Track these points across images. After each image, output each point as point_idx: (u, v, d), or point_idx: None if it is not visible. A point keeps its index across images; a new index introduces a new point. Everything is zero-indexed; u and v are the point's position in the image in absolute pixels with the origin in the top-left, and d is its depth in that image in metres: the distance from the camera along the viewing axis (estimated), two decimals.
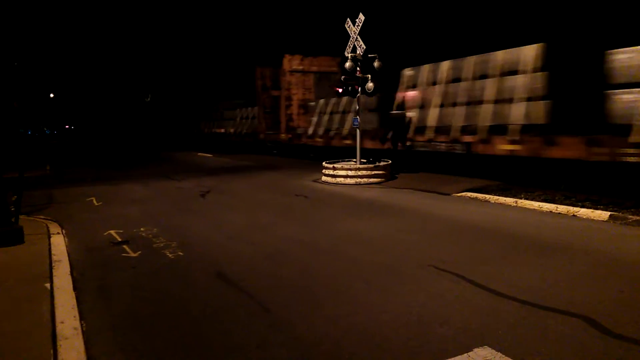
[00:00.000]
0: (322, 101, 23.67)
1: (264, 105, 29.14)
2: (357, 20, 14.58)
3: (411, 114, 16.90)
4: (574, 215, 8.84)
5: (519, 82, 13.05)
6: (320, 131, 23.10)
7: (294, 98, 26.28)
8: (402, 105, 17.54)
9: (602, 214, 8.51)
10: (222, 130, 38.23)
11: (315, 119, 23.81)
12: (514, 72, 13.26)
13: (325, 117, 23.05)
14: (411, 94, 17.27)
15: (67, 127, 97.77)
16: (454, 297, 4.94)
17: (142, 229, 8.50)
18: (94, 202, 11.75)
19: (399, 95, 17.92)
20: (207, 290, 5.42)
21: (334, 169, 14.38)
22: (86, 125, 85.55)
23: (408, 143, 16.69)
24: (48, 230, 8.27)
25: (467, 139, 14.28)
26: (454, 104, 15.20)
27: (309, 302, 4.96)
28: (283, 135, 26.79)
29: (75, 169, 21.37)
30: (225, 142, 36.91)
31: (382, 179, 14.14)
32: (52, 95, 73.97)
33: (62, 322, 4.42)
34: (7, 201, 7.35)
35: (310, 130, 23.97)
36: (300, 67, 26.06)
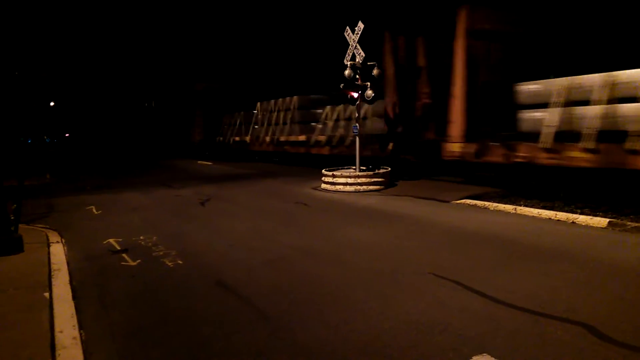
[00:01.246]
0: (565, 81, 11.45)
1: (400, 94, 17.38)
2: (356, 28, 14.67)
3: None
4: (573, 222, 8.85)
5: None
6: (590, 142, 10.52)
7: (480, 80, 14.82)
8: None
9: (601, 221, 8.52)
10: (302, 138, 24.07)
11: (545, 115, 11.69)
12: None
13: (597, 110, 10.63)
14: None
15: (67, 135, 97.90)
16: (453, 305, 4.93)
17: (141, 238, 8.50)
18: (94, 210, 11.75)
19: None
20: (207, 298, 5.42)
21: (334, 176, 14.39)
22: (86, 133, 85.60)
23: None
24: (47, 239, 8.27)
25: None
26: None
27: (308, 309, 4.96)
28: (457, 147, 14.09)
29: (75, 177, 21.37)
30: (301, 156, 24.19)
31: (382, 187, 14.15)
32: (52, 103, 74.17)
33: (61, 331, 4.42)
34: (6, 210, 7.35)
35: (548, 133, 11.42)
36: (487, 26, 14.57)
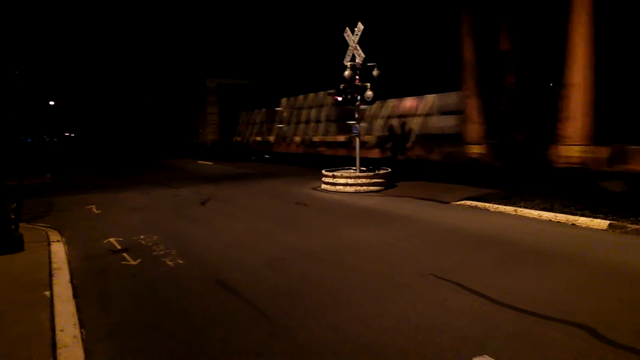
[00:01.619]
0: None
1: (479, 85, 14.05)
2: (355, 29, 14.68)
3: None
4: (573, 223, 8.86)
5: None
6: None
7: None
8: None
9: (601, 223, 8.53)
10: (342, 138, 21.08)
11: None
12: None
13: None
14: None
15: (67, 134, 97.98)
16: (453, 306, 4.94)
17: (141, 237, 8.50)
18: (94, 209, 11.76)
19: None
20: (207, 298, 5.43)
21: (334, 177, 14.40)
22: (86, 132, 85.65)
23: None
24: (48, 238, 8.27)
25: None
26: None
27: (308, 310, 4.96)
28: (578, 151, 11.00)
29: (75, 177, 21.38)
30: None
31: (382, 187, 14.16)
32: (52, 102, 74.23)
33: (61, 330, 4.43)
34: (7, 209, 7.36)
35: None
36: None
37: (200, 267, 6.65)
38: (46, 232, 8.80)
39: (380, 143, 18.52)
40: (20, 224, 8.08)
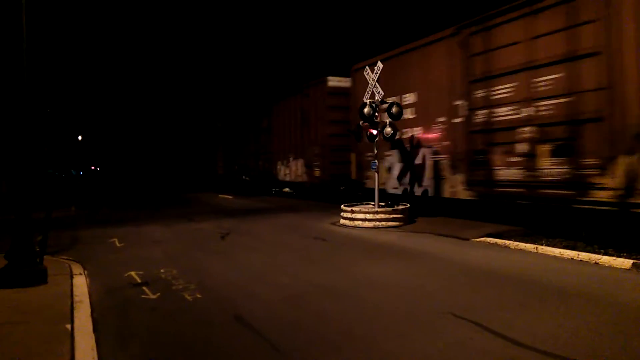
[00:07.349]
0: None
1: None
2: (375, 67, 14.96)
3: None
4: (595, 262, 8.68)
5: None
6: None
7: None
8: None
9: (625, 262, 8.34)
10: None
11: None
12: None
13: None
14: None
15: (93, 168, 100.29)
16: (473, 346, 4.87)
17: (162, 271, 8.61)
18: (116, 243, 11.96)
19: None
20: (225, 333, 5.45)
21: (352, 212, 14.41)
22: (111, 166, 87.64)
23: None
24: (71, 271, 8.44)
25: None
26: None
27: (325, 347, 4.94)
28: None
29: (99, 210, 21.80)
30: None
31: (401, 223, 14.10)
32: (80, 137, 76.44)
33: None
34: (32, 241, 7.56)
35: None
36: None
37: (218, 301, 6.70)
38: (69, 265, 8.97)
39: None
40: (45, 257, 8.27)
